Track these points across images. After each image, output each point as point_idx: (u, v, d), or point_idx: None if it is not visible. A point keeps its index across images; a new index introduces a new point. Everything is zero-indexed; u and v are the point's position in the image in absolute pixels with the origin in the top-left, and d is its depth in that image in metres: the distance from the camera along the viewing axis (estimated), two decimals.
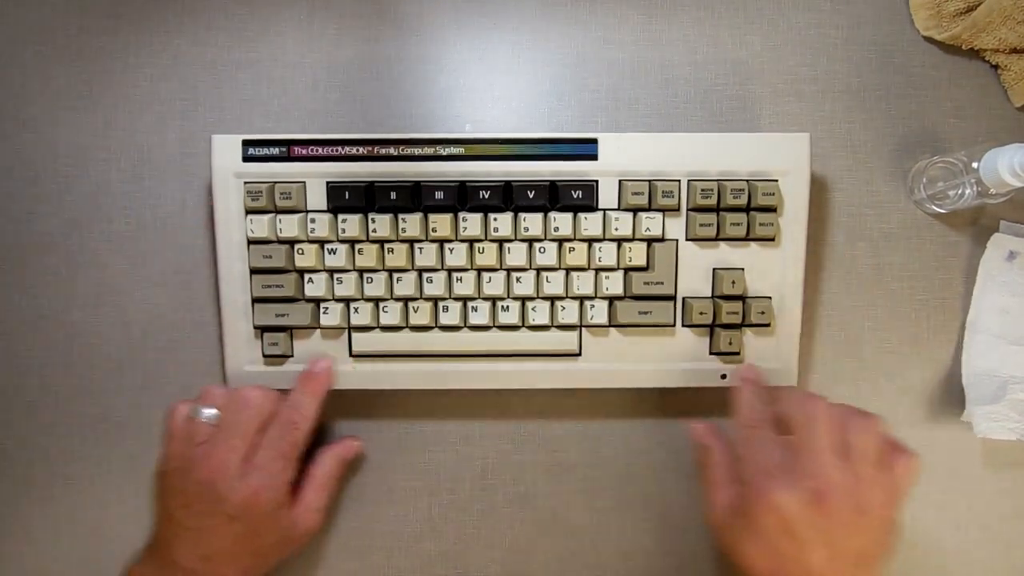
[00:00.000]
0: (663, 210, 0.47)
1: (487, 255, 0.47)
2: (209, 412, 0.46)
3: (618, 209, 0.48)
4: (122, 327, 0.52)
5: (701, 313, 0.48)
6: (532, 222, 0.47)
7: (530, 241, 0.48)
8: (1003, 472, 0.53)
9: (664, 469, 0.53)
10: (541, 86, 0.52)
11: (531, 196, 0.47)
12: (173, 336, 0.52)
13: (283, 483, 0.46)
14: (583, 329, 0.49)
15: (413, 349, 0.48)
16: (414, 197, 0.47)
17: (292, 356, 0.49)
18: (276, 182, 0.47)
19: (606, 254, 0.47)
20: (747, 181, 0.47)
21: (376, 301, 0.48)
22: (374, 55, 0.51)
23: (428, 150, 0.47)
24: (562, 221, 0.47)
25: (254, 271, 0.48)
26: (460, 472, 0.53)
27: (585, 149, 0.47)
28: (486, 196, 0.47)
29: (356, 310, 0.48)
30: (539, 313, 0.48)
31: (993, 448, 0.52)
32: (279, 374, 0.49)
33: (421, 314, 0.48)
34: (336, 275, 0.48)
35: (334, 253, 0.47)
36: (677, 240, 0.48)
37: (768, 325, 0.49)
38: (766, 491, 0.39)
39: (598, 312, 0.48)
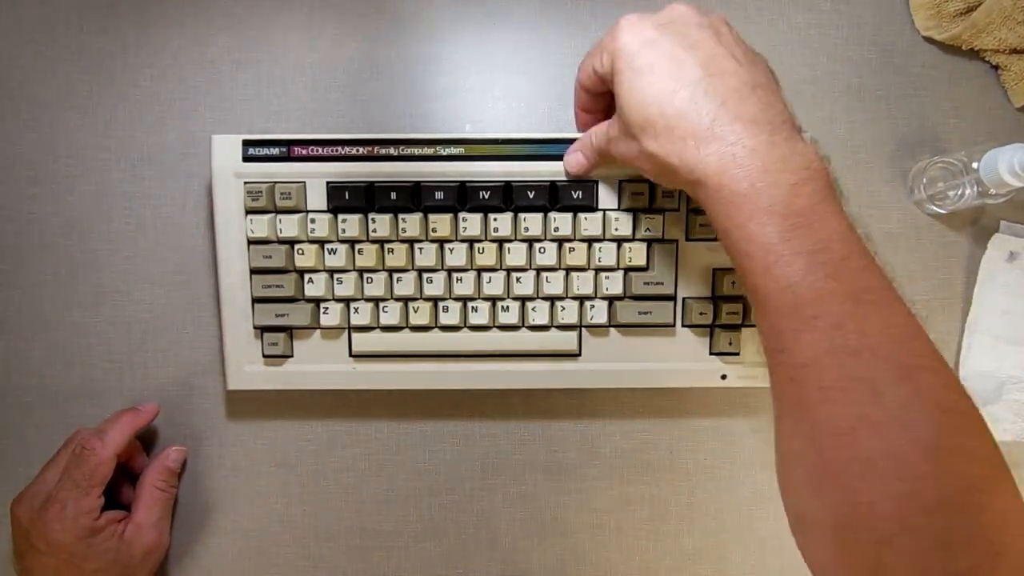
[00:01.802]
0: (663, 210, 0.47)
1: (487, 255, 0.47)
2: None
3: (618, 209, 0.47)
4: (122, 327, 0.52)
5: (701, 313, 0.48)
6: (532, 222, 0.47)
7: (530, 241, 0.48)
8: None
9: (664, 469, 0.53)
10: (541, 86, 0.52)
11: (531, 196, 0.47)
12: (173, 336, 0.52)
13: (81, 512, 0.44)
14: (583, 329, 0.49)
15: (413, 349, 0.48)
16: (414, 197, 0.47)
17: (292, 356, 0.49)
18: (276, 182, 0.47)
19: (606, 254, 0.47)
20: None
21: (376, 301, 0.48)
22: (374, 55, 0.51)
23: (428, 150, 0.47)
24: (562, 221, 0.47)
25: (254, 271, 0.48)
26: (460, 472, 0.53)
27: None
28: (486, 196, 0.47)
29: (356, 310, 0.48)
30: (539, 313, 0.48)
31: None
32: (279, 374, 0.49)
33: (421, 314, 0.48)
34: (336, 275, 0.48)
35: (334, 253, 0.47)
36: (677, 240, 0.48)
37: None
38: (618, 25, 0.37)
39: (598, 312, 0.48)
